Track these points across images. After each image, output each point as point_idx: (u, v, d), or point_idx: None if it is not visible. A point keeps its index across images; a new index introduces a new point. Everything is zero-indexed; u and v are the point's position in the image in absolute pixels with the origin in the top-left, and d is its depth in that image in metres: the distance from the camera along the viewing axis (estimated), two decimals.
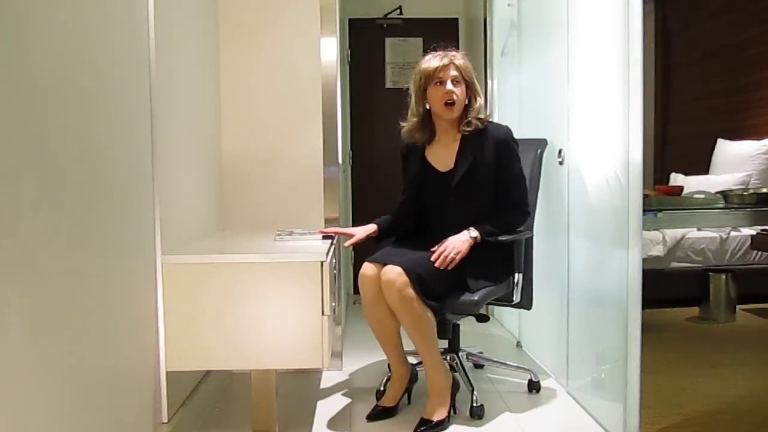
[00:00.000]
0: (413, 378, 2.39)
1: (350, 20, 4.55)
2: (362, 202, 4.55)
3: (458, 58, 2.31)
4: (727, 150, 4.25)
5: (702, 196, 2.81)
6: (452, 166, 2.33)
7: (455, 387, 2.27)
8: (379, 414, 2.27)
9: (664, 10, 5.18)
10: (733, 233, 3.86)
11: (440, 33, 4.10)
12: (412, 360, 2.37)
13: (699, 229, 3.84)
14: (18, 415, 1.10)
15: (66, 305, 1.28)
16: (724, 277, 3.59)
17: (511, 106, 3.33)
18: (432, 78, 2.28)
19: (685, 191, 2.98)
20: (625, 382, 1.95)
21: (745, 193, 2.68)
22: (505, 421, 2.25)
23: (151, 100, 1.83)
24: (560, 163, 2.56)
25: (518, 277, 2.42)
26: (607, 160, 2.11)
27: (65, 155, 1.29)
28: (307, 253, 1.92)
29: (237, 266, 1.88)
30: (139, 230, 1.76)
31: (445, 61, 2.28)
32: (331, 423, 2.26)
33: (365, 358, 2.98)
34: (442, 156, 2.37)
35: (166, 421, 1.91)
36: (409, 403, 2.37)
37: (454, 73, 2.28)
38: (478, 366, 2.82)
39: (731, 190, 2.86)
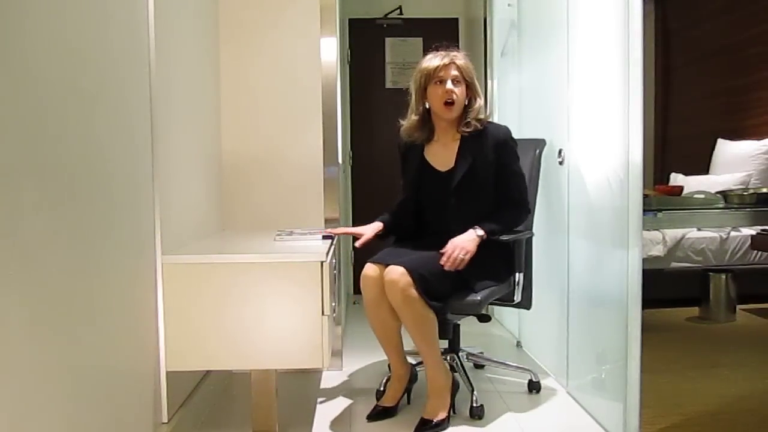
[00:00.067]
0: (413, 378, 2.39)
1: (350, 20, 4.55)
2: (362, 202, 4.55)
3: (459, 58, 2.31)
4: (727, 150, 4.25)
5: (702, 196, 2.82)
6: (451, 165, 2.33)
7: (455, 387, 2.27)
8: (379, 414, 2.27)
9: (664, 10, 5.18)
10: (733, 233, 3.86)
11: (440, 33, 4.10)
12: (411, 360, 2.37)
13: (699, 229, 3.84)
14: (18, 415, 1.10)
15: (66, 305, 1.28)
16: (724, 277, 3.59)
17: (511, 106, 3.33)
18: (432, 77, 2.28)
19: (685, 191, 2.98)
20: (625, 382, 1.95)
21: (745, 193, 2.68)
22: (505, 421, 2.25)
23: (151, 100, 1.83)
24: (560, 163, 2.56)
25: (519, 276, 2.42)
26: (607, 160, 2.11)
27: (65, 155, 1.29)
28: (307, 253, 1.92)
29: (237, 266, 1.88)
30: (139, 230, 1.76)
31: (446, 60, 2.28)
32: (331, 423, 2.26)
33: (365, 358, 2.98)
34: (441, 155, 2.37)
35: (166, 421, 1.91)
36: (408, 403, 2.37)
37: (454, 72, 2.28)
38: (478, 366, 2.82)
39: (731, 190, 2.86)
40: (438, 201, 2.36)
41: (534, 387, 2.53)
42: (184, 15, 2.25)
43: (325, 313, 1.88)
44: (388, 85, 4.61)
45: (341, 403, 2.44)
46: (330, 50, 2.83)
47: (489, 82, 3.65)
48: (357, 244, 2.36)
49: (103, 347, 1.48)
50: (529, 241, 2.53)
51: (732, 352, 3.07)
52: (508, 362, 2.69)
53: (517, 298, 2.43)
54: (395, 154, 2.52)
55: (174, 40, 2.08)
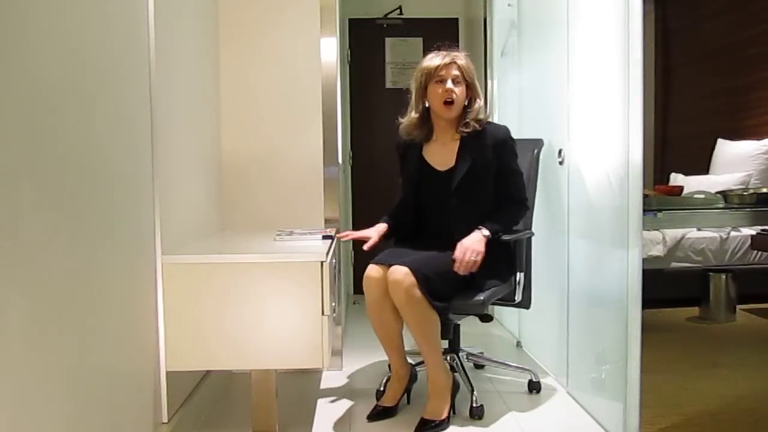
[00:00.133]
0: (413, 378, 2.39)
1: (350, 20, 4.55)
2: (362, 202, 4.55)
3: (461, 58, 2.31)
4: (727, 150, 4.25)
5: (702, 196, 2.82)
6: (451, 165, 2.34)
7: (456, 387, 2.27)
8: (379, 414, 2.27)
9: (664, 10, 5.18)
10: (733, 233, 3.86)
11: (440, 33, 4.09)
12: (411, 360, 2.37)
13: (699, 229, 3.85)
14: (18, 415, 1.10)
15: (66, 305, 1.28)
16: (724, 277, 3.59)
17: (511, 106, 3.33)
18: (433, 76, 2.28)
19: (685, 191, 2.98)
20: (625, 382, 1.95)
21: (745, 193, 2.68)
22: (505, 421, 2.25)
23: (151, 100, 1.83)
24: (560, 163, 2.56)
25: (520, 276, 2.42)
26: (607, 160, 2.11)
27: (65, 155, 1.29)
28: (307, 253, 1.92)
29: (237, 266, 1.88)
30: (139, 230, 1.76)
31: (447, 60, 2.28)
32: (331, 423, 2.26)
33: (365, 358, 2.97)
34: (440, 155, 2.37)
35: (166, 421, 1.91)
36: (408, 403, 2.37)
37: (455, 72, 2.28)
38: (478, 366, 2.82)
39: (731, 190, 2.87)
40: (439, 201, 2.36)
41: (534, 387, 2.53)
42: (184, 15, 2.25)
43: (325, 313, 1.88)
44: (388, 85, 4.61)
45: (341, 403, 2.44)
46: (330, 50, 2.83)
47: (489, 82, 3.65)
48: (365, 247, 2.34)
49: (103, 347, 1.48)
50: (528, 241, 2.54)
51: (732, 352, 3.08)
52: (508, 362, 2.69)
53: (518, 297, 2.44)
54: (395, 153, 2.52)
55: (174, 40, 2.08)
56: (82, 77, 1.38)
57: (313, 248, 2.02)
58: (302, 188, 2.84)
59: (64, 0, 1.30)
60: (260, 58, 2.82)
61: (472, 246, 2.17)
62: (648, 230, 3.58)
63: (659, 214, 2.43)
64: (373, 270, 2.20)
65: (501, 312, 3.63)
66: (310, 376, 2.77)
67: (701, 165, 4.36)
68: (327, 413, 2.34)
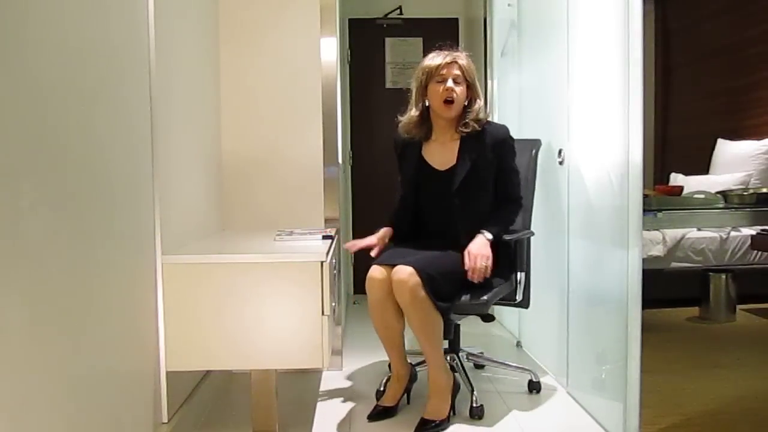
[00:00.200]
0: (412, 378, 2.39)
1: (350, 20, 4.55)
2: (362, 202, 4.55)
3: (462, 58, 2.32)
4: (727, 150, 4.25)
5: (702, 196, 2.81)
6: (450, 165, 2.34)
7: (456, 388, 2.27)
8: (380, 414, 2.27)
9: (664, 10, 5.18)
10: (733, 233, 3.86)
11: (440, 33, 4.09)
12: (410, 360, 2.37)
13: (699, 229, 3.84)
14: (18, 415, 1.10)
15: (66, 305, 1.28)
16: (724, 277, 3.59)
17: (511, 106, 3.33)
18: (434, 75, 2.29)
19: (685, 191, 2.98)
20: (625, 382, 1.95)
21: (745, 193, 2.68)
22: (505, 421, 2.25)
23: (151, 100, 1.83)
24: (560, 163, 2.56)
25: (521, 275, 2.43)
26: (607, 160, 2.11)
27: (65, 155, 1.29)
28: (307, 253, 1.92)
29: (237, 266, 1.88)
30: (139, 230, 1.76)
31: (449, 59, 2.29)
32: (331, 423, 2.26)
33: (365, 358, 2.97)
34: (440, 154, 2.37)
35: (166, 421, 1.91)
36: (408, 403, 2.37)
37: (456, 72, 2.28)
38: (478, 366, 2.82)
39: (731, 190, 2.86)
40: (440, 201, 2.36)
41: (534, 387, 2.53)
42: (184, 15, 2.25)
43: (325, 313, 1.88)
44: (388, 85, 4.61)
45: (341, 403, 2.44)
46: (330, 50, 2.83)
47: (489, 82, 3.65)
48: (373, 254, 2.35)
49: (103, 347, 1.48)
50: (528, 240, 2.54)
51: (732, 352, 3.07)
52: (508, 362, 2.69)
53: (519, 297, 2.44)
54: (394, 152, 2.52)
55: (174, 40, 2.08)
56: (82, 77, 1.38)
57: (313, 248, 2.02)
58: (302, 188, 2.84)
59: (64, 0, 1.30)
60: (260, 58, 2.82)
61: (480, 252, 2.19)
62: (648, 230, 3.58)
63: (659, 214, 2.43)
64: (376, 271, 2.20)
65: (501, 312, 3.63)
66: (310, 376, 2.77)
67: (701, 165, 4.36)
68: (327, 413, 2.34)
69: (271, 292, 1.88)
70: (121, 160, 1.61)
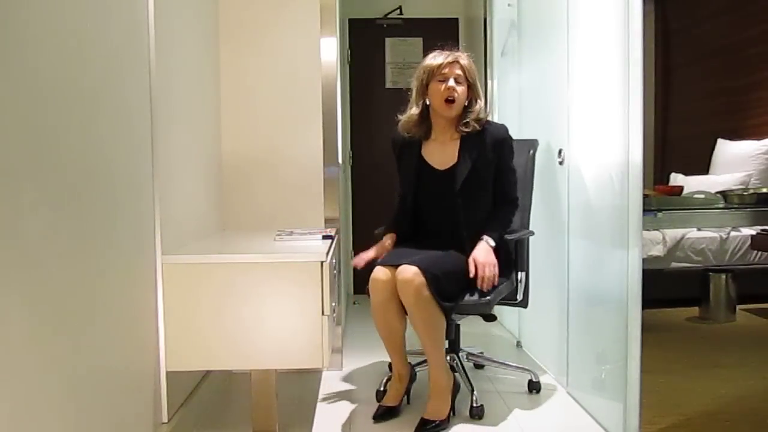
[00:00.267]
0: (412, 378, 2.39)
1: (350, 20, 4.55)
2: (362, 202, 4.55)
3: (463, 58, 2.32)
4: (727, 150, 4.25)
5: (702, 196, 2.82)
6: (450, 164, 2.34)
7: (456, 388, 2.28)
8: (384, 414, 2.27)
9: (664, 10, 5.18)
10: (733, 233, 3.86)
11: (440, 33, 4.10)
12: (410, 360, 2.37)
13: (699, 229, 3.84)
14: (18, 415, 1.10)
15: (66, 305, 1.28)
16: (724, 277, 3.59)
17: (510, 106, 3.33)
18: (435, 74, 2.29)
19: (685, 191, 2.98)
20: (625, 382, 1.95)
21: (745, 193, 2.68)
22: (505, 421, 2.25)
23: (151, 100, 1.84)
24: (560, 163, 2.56)
25: (521, 275, 2.43)
26: (607, 160, 2.11)
27: (65, 155, 1.29)
28: (307, 253, 1.92)
29: (237, 266, 1.88)
30: (139, 230, 1.76)
31: (450, 59, 2.30)
32: (331, 423, 2.26)
33: (365, 358, 2.98)
34: (439, 154, 2.38)
35: (166, 421, 1.91)
36: (408, 402, 2.37)
37: (458, 72, 2.29)
38: (478, 366, 2.82)
39: (731, 190, 2.87)
40: (440, 200, 2.36)
41: (534, 387, 2.53)
42: (184, 15, 2.25)
43: (325, 313, 1.88)
44: (388, 85, 4.61)
45: (341, 403, 2.44)
46: (330, 50, 2.83)
47: (489, 82, 3.65)
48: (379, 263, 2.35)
49: (103, 347, 1.48)
50: (527, 240, 2.54)
51: (732, 352, 3.07)
52: (508, 362, 2.69)
53: (520, 296, 2.45)
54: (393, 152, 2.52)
55: (174, 40, 2.08)
56: (82, 77, 1.38)
57: (313, 248, 2.02)
58: (302, 188, 2.84)
59: (64, 1, 1.30)
60: (260, 58, 2.82)
61: (485, 260, 2.21)
62: (648, 230, 3.58)
63: (659, 214, 2.43)
64: (380, 272, 2.19)
65: (501, 312, 3.62)
66: (310, 376, 2.77)
67: (701, 165, 4.36)
68: (327, 413, 2.34)
69: (271, 292, 1.88)
70: (122, 160, 1.61)
